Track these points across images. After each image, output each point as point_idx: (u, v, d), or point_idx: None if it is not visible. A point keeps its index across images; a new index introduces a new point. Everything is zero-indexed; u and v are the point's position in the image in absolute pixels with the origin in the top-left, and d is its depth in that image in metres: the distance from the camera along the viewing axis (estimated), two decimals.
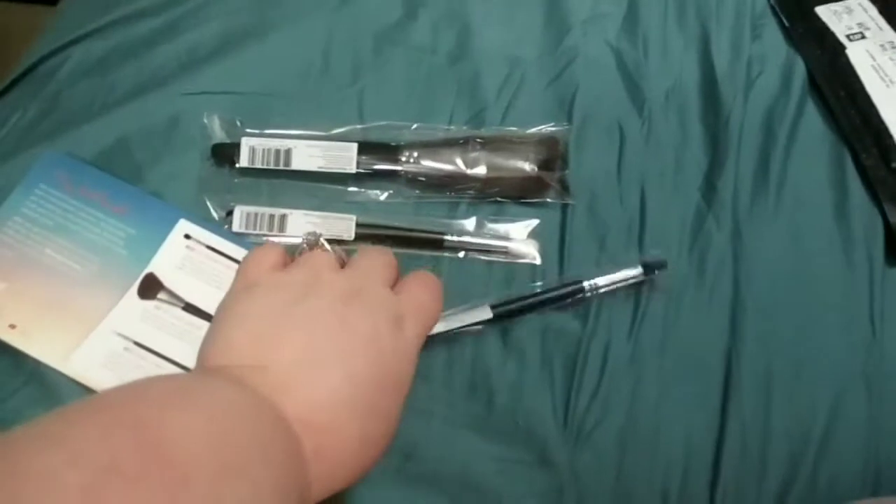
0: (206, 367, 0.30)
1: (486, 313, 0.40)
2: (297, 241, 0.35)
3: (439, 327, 0.39)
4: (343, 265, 0.33)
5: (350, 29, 0.50)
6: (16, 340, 0.37)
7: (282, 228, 0.43)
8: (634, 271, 0.41)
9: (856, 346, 0.41)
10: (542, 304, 0.41)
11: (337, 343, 0.30)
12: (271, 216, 0.43)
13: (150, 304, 0.38)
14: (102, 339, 0.37)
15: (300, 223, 0.43)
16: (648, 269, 0.42)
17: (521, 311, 0.41)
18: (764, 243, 0.44)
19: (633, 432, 0.39)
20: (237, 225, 0.43)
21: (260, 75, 0.47)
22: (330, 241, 0.34)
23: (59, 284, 0.39)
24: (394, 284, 0.33)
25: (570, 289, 0.41)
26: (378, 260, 0.33)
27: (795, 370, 0.40)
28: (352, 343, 0.30)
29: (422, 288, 0.34)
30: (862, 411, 0.40)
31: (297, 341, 0.29)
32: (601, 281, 0.41)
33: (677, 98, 0.48)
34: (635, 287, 0.42)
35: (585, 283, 0.41)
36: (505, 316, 0.40)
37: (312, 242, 0.34)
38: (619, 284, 0.41)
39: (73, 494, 0.19)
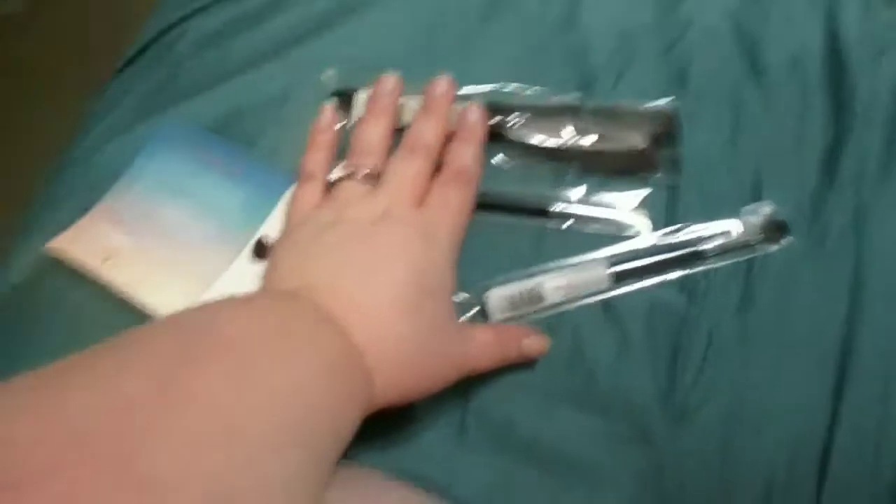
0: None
1: (604, 279, 0.39)
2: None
3: (557, 296, 0.39)
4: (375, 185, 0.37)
5: None
6: (139, 294, 0.39)
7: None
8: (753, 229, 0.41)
9: None
10: (661, 266, 0.40)
11: (367, 257, 0.34)
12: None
13: (261, 265, 0.39)
14: (217, 297, 0.38)
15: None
16: (769, 232, 0.40)
17: (640, 273, 0.40)
18: (891, 224, 0.41)
19: (739, 415, 0.37)
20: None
21: (369, 45, 0.48)
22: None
23: (179, 244, 0.41)
24: (424, 195, 0.37)
25: (688, 250, 0.40)
26: (403, 180, 0.37)
27: None
28: (383, 254, 0.34)
29: (448, 196, 0.37)
30: None
31: (330, 261, 0.34)
32: (718, 241, 0.40)
33: (800, 67, 0.45)
34: (748, 259, 0.40)
35: (703, 246, 0.40)
36: (622, 277, 0.40)
37: (342, 177, 0.38)
38: (736, 245, 0.40)
39: (156, 372, 0.23)
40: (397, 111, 0.42)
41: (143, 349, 0.24)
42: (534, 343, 0.37)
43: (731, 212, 0.42)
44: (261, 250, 0.40)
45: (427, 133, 0.39)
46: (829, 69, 0.45)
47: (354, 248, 0.34)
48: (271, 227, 0.41)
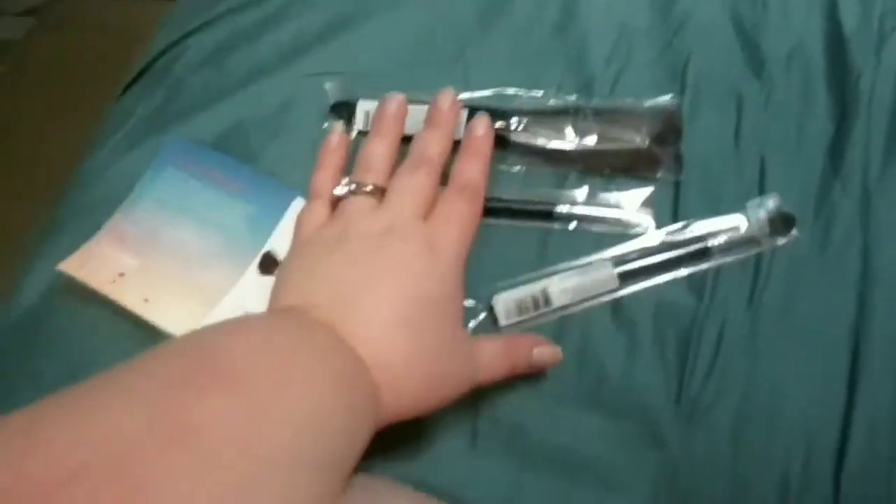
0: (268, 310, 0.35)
1: (612, 279, 0.39)
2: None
3: (564, 299, 0.39)
4: (380, 200, 0.37)
5: (453, 5, 0.49)
6: (149, 313, 0.39)
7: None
8: (759, 224, 0.40)
9: None
10: (668, 264, 0.40)
11: (372, 271, 0.34)
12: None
13: (268, 280, 0.40)
14: (226, 313, 0.39)
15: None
16: (776, 225, 0.40)
17: (647, 272, 0.40)
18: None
19: (752, 412, 0.37)
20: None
21: (365, 57, 0.48)
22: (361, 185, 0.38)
23: (187, 261, 0.41)
24: (430, 208, 0.37)
25: (695, 247, 0.40)
26: (408, 194, 0.37)
27: None
28: (387, 268, 0.34)
29: (454, 209, 0.37)
30: None
31: (335, 277, 0.34)
32: (724, 237, 0.40)
33: (800, 59, 0.45)
34: (756, 253, 0.40)
35: (710, 242, 0.40)
36: (629, 276, 0.40)
37: (347, 192, 0.38)
38: (743, 240, 0.40)
39: (153, 402, 0.23)
40: (401, 131, 0.42)
41: (139, 380, 0.24)
42: (545, 353, 0.37)
43: (736, 206, 0.41)
44: (267, 265, 0.40)
45: (431, 147, 0.39)
46: (829, 60, 0.45)
47: (359, 263, 0.34)
48: (277, 242, 0.41)
